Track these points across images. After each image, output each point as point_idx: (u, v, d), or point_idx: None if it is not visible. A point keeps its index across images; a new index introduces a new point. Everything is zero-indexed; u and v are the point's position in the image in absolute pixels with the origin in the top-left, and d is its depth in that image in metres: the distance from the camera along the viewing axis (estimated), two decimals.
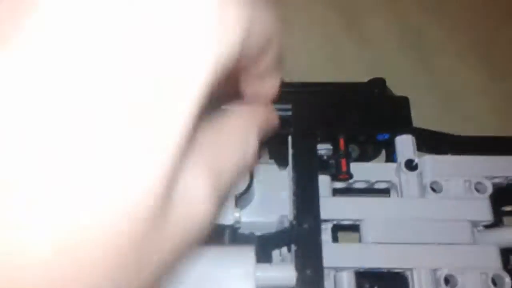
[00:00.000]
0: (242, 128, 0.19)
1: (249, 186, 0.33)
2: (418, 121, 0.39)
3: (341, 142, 0.37)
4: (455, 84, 0.50)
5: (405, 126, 0.37)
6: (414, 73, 0.50)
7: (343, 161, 0.36)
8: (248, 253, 0.29)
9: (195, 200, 0.15)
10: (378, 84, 0.39)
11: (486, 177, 0.35)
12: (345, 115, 0.38)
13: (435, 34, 0.52)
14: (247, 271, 0.29)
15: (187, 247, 0.15)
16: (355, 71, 0.48)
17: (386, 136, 0.37)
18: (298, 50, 0.47)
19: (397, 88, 0.41)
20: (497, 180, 0.36)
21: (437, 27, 0.52)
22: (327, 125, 0.37)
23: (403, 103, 0.38)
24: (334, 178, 0.36)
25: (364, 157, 0.39)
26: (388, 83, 0.41)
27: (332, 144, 0.37)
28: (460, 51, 0.51)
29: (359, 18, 0.52)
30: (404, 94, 0.40)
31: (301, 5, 0.52)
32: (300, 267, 0.30)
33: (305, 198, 0.33)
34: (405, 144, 0.37)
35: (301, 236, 0.31)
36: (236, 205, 0.33)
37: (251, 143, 0.19)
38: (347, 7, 0.52)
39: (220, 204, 0.17)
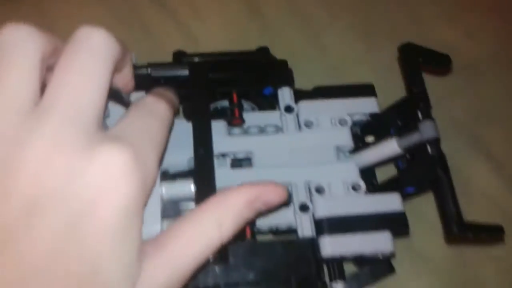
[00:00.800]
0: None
1: None
2: (309, 87, 0.48)
3: (234, 96, 0.46)
4: (339, 57, 0.60)
5: (285, 81, 0.47)
6: (305, 48, 0.60)
7: (236, 110, 0.45)
8: None
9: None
10: (264, 51, 0.49)
11: (348, 114, 0.45)
12: (237, 75, 0.47)
13: (322, 15, 0.62)
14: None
15: None
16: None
17: (271, 90, 0.47)
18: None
19: (290, 60, 0.51)
20: (357, 117, 0.46)
21: (325, 9, 0.63)
22: (222, 83, 0.46)
23: (283, 64, 0.48)
24: (230, 123, 0.45)
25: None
26: (283, 56, 0.50)
27: (228, 99, 0.46)
28: (343, 29, 0.62)
29: (260, 3, 0.62)
30: (296, 65, 0.49)
31: None
32: (196, 181, 0.39)
33: (201, 134, 0.41)
34: (285, 94, 0.46)
35: (197, 158, 0.40)
36: None
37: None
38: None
39: None
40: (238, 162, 0.45)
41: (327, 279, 0.46)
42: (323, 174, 0.42)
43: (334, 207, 0.40)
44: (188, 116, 0.47)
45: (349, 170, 0.43)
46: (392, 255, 0.42)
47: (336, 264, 0.46)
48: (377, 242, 0.40)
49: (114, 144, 0.24)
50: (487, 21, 0.65)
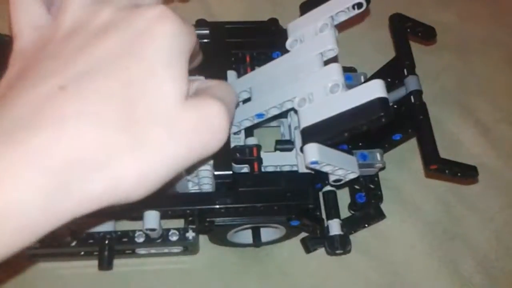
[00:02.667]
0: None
1: None
2: None
3: (247, 57, 0.54)
4: (343, 33, 0.67)
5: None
6: None
7: (248, 69, 0.53)
8: None
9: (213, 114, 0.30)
10: (274, 22, 0.56)
11: (330, 17, 0.46)
12: (251, 40, 0.55)
13: None
14: None
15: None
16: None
17: (279, 54, 0.54)
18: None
19: None
20: (340, 16, 0.47)
21: None
22: (238, 47, 0.54)
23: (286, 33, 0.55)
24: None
25: None
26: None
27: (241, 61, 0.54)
28: None
29: None
30: None
31: None
32: None
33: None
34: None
35: None
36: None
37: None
38: None
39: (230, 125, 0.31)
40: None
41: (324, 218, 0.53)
42: (306, 86, 0.44)
43: (313, 115, 0.42)
44: (206, 74, 0.54)
45: (329, 73, 0.43)
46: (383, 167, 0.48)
47: (333, 206, 0.53)
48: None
49: None
50: (479, 6, 0.72)
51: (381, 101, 0.39)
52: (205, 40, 0.53)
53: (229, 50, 0.53)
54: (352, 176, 0.45)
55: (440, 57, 0.67)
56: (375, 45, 0.67)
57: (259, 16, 0.58)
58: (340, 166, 0.43)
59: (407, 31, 0.53)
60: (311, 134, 0.42)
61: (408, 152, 0.58)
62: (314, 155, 0.42)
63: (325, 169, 0.43)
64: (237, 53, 0.54)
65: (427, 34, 0.55)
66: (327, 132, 0.41)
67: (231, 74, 0.51)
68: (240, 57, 0.54)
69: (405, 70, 0.50)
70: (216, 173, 0.45)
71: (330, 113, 0.41)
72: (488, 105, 0.64)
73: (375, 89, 0.39)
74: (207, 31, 0.53)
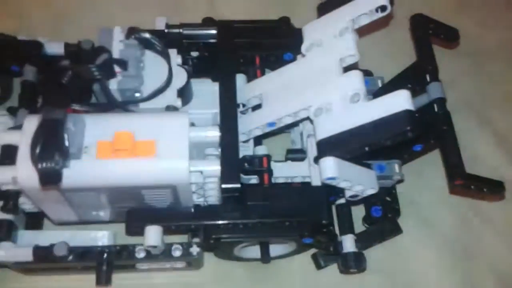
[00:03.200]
0: None
1: (187, 82, 0.46)
2: None
3: (257, 59, 0.50)
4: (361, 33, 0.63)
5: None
6: None
7: (258, 72, 0.50)
8: (184, 118, 0.42)
9: None
10: (285, 20, 0.53)
11: (351, 20, 0.43)
12: (261, 41, 0.51)
13: None
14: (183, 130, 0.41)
15: None
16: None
17: (291, 56, 0.51)
18: None
19: None
20: (362, 20, 0.43)
21: None
22: (247, 48, 0.50)
23: (299, 33, 0.50)
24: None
25: None
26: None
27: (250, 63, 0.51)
28: None
29: None
30: None
31: None
32: (221, 125, 0.43)
33: (226, 87, 0.45)
34: None
35: (222, 105, 0.44)
36: (178, 95, 0.46)
37: None
38: None
39: None
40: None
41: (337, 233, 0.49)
42: (324, 94, 0.41)
43: (331, 126, 0.39)
44: (213, 77, 0.51)
45: (350, 81, 0.39)
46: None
47: (346, 220, 0.50)
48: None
49: None
50: (497, 11, 0.68)
51: (408, 114, 0.36)
52: (212, 41, 0.50)
53: (238, 51, 0.50)
54: (371, 192, 0.42)
55: (455, 63, 0.63)
56: (386, 48, 0.63)
57: (269, 14, 0.55)
58: (359, 182, 0.40)
59: (429, 33, 0.49)
60: (328, 147, 0.39)
61: (425, 163, 0.55)
62: (332, 170, 0.38)
63: (343, 185, 0.40)
64: (246, 54, 0.51)
65: (450, 36, 0.51)
66: (346, 146, 0.38)
67: (240, 77, 0.48)
68: (249, 58, 0.51)
69: (427, 76, 0.46)
70: (223, 186, 0.42)
71: (350, 124, 0.38)
72: (506, 115, 0.61)
73: (401, 100, 0.36)
74: (214, 31, 0.49)
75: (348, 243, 0.47)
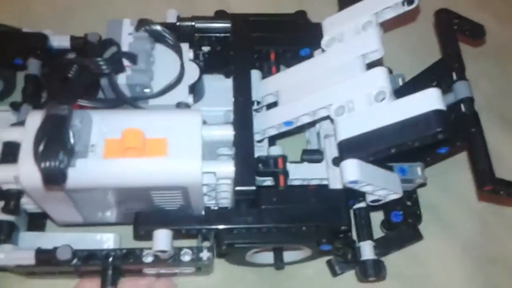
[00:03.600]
0: None
1: (200, 78, 0.44)
2: None
3: (272, 55, 0.48)
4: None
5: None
6: None
7: (274, 67, 0.47)
8: (196, 115, 0.40)
9: None
10: (301, 14, 0.50)
11: (374, 13, 0.41)
12: (277, 35, 0.48)
13: None
14: (196, 129, 0.39)
15: None
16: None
17: (308, 51, 0.48)
18: None
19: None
20: (386, 13, 0.41)
21: None
22: (262, 43, 0.48)
23: (316, 27, 0.48)
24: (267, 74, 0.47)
25: None
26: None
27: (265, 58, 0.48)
28: None
29: None
30: None
31: None
32: (235, 123, 0.40)
33: (241, 83, 0.43)
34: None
35: (236, 102, 0.42)
36: (189, 92, 0.43)
37: None
38: None
39: None
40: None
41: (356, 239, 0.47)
42: (346, 92, 0.38)
43: (354, 126, 0.37)
44: (226, 72, 0.49)
45: (374, 79, 0.37)
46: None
47: (365, 226, 0.47)
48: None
49: None
50: None
51: (439, 114, 0.33)
52: (226, 35, 0.47)
53: (252, 46, 0.47)
54: (394, 197, 0.39)
55: (477, 61, 0.60)
56: (403, 44, 0.60)
57: (283, 9, 0.52)
58: (382, 186, 0.37)
59: (454, 29, 0.46)
60: (350, 148, 0.37)
61: (447, 165, 0.52)
62: (354, 173, 0.36)
63: (365, 189, 0.37)
64: (261, 49, 0.48)
65: (476, 33, 0.49)
66: (370, 148, 0.36)
67: (255, 73, 0.45)
68: (263, 54, 0.48)
69: (453, 74, 0.44)
70: (238, 188, 0.39)
71: (375, 125, 0.36)
72: None
73: (432, 100, 0.34)
74: (229, 24, 0.47)
75: (367, 250, 0.45)
